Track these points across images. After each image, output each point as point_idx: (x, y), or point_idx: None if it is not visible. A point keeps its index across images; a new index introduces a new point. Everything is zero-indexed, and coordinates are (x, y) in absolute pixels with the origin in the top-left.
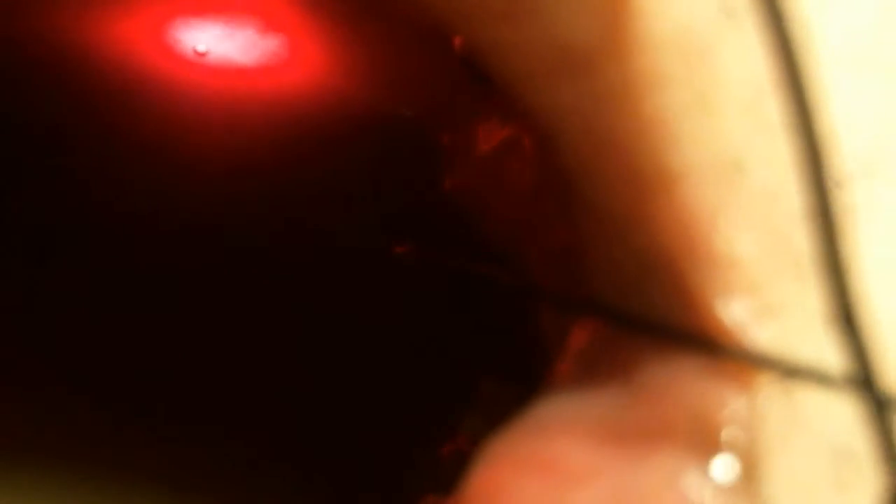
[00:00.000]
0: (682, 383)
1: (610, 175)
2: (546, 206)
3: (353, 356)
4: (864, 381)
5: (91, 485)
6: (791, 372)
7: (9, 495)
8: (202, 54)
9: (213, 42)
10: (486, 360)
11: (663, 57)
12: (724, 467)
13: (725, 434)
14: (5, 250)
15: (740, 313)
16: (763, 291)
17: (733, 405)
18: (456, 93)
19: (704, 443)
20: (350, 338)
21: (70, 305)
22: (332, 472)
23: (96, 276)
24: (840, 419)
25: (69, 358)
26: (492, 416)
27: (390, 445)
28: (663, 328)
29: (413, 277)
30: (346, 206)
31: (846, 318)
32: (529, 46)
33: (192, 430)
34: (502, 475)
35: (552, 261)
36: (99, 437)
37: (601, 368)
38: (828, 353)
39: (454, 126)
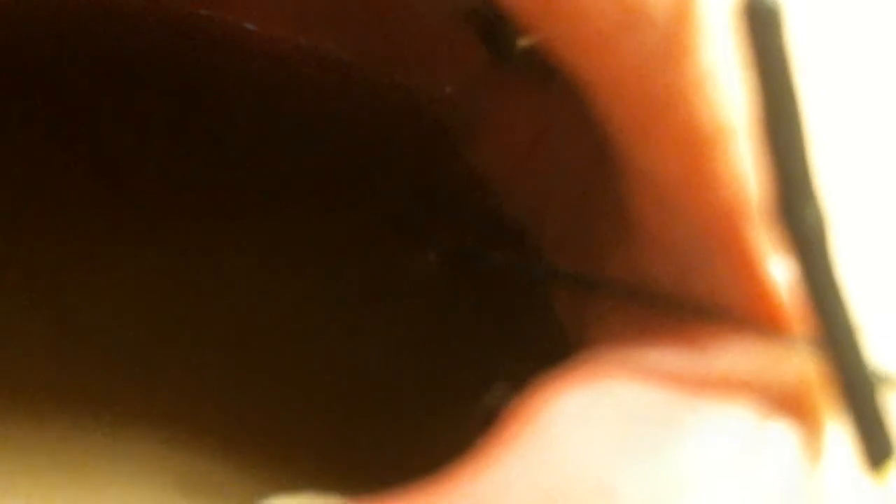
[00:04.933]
0: (740, 356)
1: (667, 136)
2: (579, 185)
3: (366, 341)
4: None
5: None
6: None
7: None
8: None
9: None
10: (507, 345)
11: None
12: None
13: (782, 398)
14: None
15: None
16: None
17: (793, 370)
18: (477, 70)
19: (762, 405)
20: (361, 322)
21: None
22: (358, 458)
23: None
24: None
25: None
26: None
27: (414, 424)
28: (718, 309)
29: (430, 261)
30: (360, 187)
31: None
32: (595, 6)
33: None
34: (548, 395)
35: (584, 244)
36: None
37: (650, 344)
38: None
39: (475, 104)
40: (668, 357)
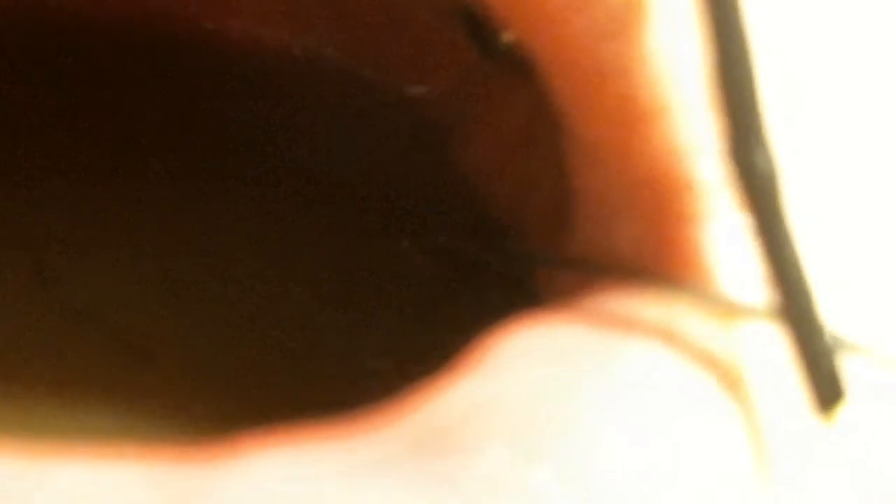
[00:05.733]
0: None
1: (607, 109)
2: (542, 162)
3: (353, 333)
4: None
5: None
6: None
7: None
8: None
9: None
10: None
11: None
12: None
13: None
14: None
15: (721, 241)
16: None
17: (714, 339)
18: (464, 69)
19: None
20: (350, 314)
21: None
22: None
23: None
24: None
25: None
26: None
27: None
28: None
29: (413, 256)
30: (348, 185)
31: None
32: None
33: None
34: (497, 336)
35: (565, 236)
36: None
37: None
38: None
39: (463, 103)
40: (603, 304)
